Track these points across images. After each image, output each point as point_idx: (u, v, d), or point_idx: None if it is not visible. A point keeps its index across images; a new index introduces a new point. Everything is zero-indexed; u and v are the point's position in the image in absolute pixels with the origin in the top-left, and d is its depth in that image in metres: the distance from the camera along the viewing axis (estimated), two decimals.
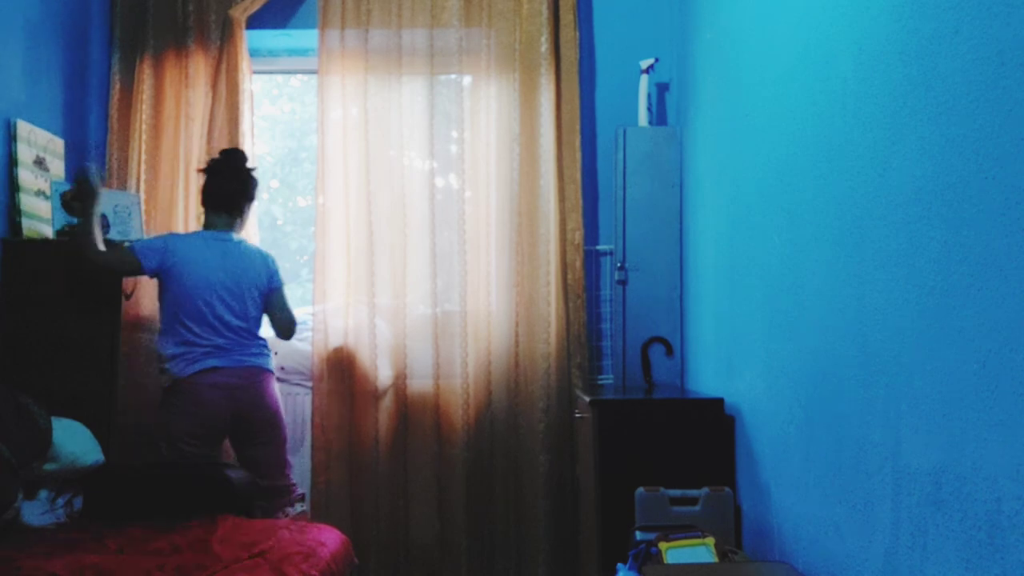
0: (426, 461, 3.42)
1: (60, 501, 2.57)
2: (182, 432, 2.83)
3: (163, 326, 2.90)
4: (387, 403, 3.41)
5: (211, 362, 2.85)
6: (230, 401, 2.88)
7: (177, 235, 3.01)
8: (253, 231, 3.54)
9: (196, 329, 2.86)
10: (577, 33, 3.54)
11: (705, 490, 2.41)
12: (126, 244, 2.88)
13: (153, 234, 3.48)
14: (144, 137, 3.52)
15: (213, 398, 2.85)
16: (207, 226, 3.02)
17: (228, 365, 2.88)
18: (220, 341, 2.89)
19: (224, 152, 3.07)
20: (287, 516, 2.94)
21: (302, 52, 3.71)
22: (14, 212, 3.00)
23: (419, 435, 3.43)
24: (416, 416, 3.44)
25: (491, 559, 3.43)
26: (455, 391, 3.44)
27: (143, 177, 3.51)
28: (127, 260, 2.82)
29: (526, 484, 3.40)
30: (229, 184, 2.99)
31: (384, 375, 3.43)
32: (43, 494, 2.54)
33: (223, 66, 3.51)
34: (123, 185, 3.51)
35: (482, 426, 3.44)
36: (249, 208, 3.08)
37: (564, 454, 3.41)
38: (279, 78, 3.98)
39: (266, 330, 3.12)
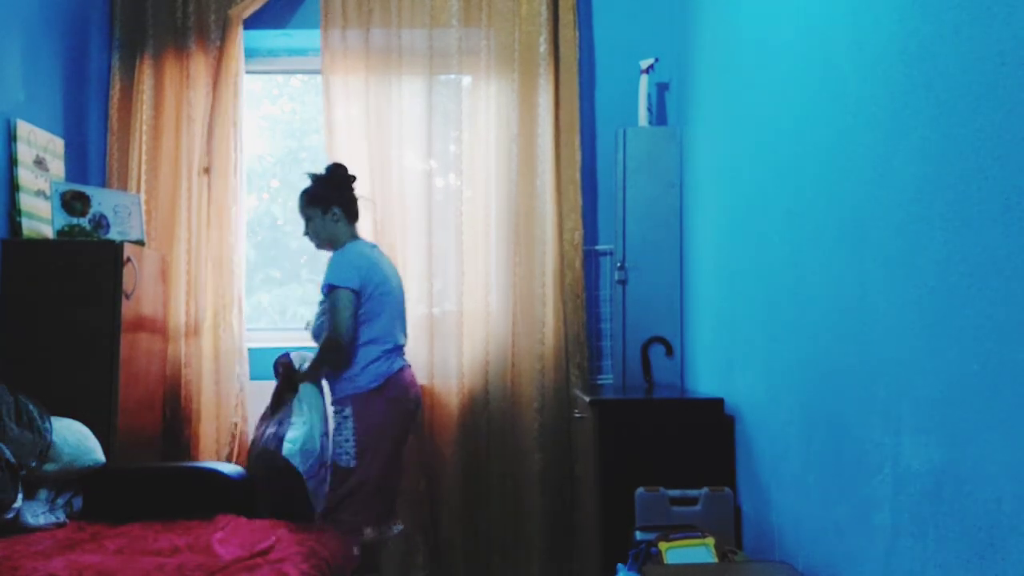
0: (421, 460, 3.42)
1: (60, 501, 2.57)
2: (400, 429, 2.90)
3: (370, 335, 2.86)
4: None
5: (403, 361, 2.97)
6: (416, 399, 3.00)
7: (352, 248, 2.95)
8: (254, 230, 3.54)
9: (391, 330, 2.92)
10: (576, 33, 3.54)
11: (705, 490, 2.40)
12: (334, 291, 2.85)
13: (153, 234, 3.48)
14: (144, 137, 3.52)
15: (415, 388, 2.98)
16: (355, 236, 3.06)
17: (408, 365, 3.00)
18: (403, 342, 3.01)
19: (339, 166, 3.08)
20: (390, 532, 2.99)
21: (302, 52, 3.72)
22: (14, 212, 3.00)
23: (413, 434, 3.43)
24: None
25: (488, 559, 3.43)
26: (451, 391, 3.44)
27: (143, 177, 3.51)
28: (344, 300, 2.82)
29: (523, 483, 3.40)
30: (353, 196, 3.08)
31: None
32: (43, 494, 2.53)
33: (223, 66, 3.52)
34: (123, 185, 3.51)
35: (478, 425, 3.44)
36: None
37: (562, 454, 3.41)
38: (279, 78, 3.98)
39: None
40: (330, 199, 3.00)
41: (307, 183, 3.05)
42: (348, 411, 2.83)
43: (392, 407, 2.86)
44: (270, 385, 3.48)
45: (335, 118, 3.54)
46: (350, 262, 2.88)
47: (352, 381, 2.84)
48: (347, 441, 2.81)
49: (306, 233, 3.05)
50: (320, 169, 3.09)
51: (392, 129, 3.53)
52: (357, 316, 2.84)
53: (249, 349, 3.52)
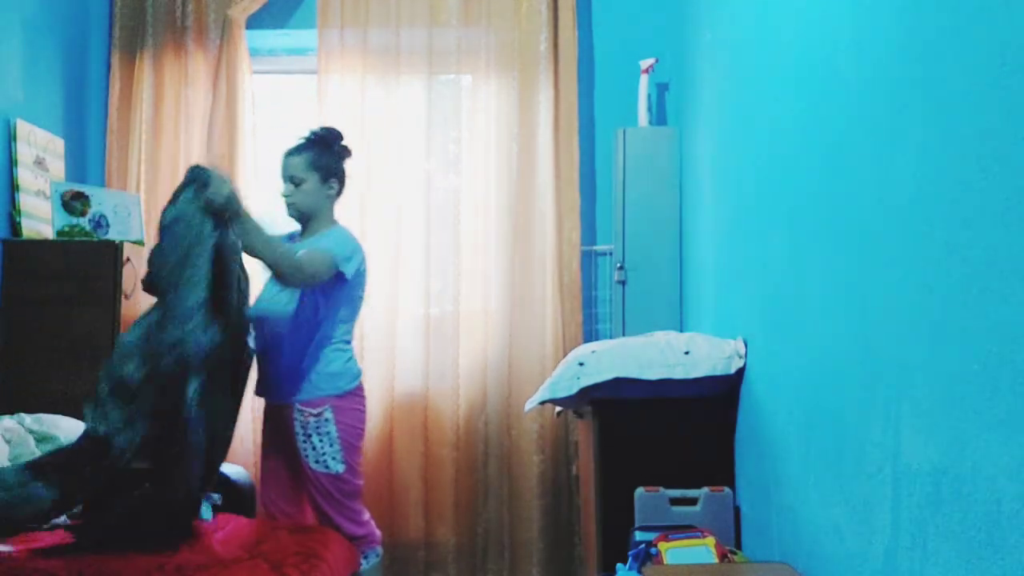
0: (416, 462, 3.41)
1: None
2: (361, 435, 2.72)
3: (347, 335, 2.70)
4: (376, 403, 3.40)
5: None
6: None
7: (349, 234, 2.71)
8: None
9: (353, 332, 2.78)
10: (576, 33, 3.54)
11: (705, 490, 2.40)
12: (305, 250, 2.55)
13: (150, 235, 3.47)
14: (144, 137, 3.53)
15: None
16: (335, 220, 2.77)
17: None
18: None
19: (340, 135, 2.75)
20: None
21: (302, 52, 3.72)
22: (14, 212, 3.00)
23: (408, 436, 3.42)
24: (406, 417, 3.44)
25: (488, 561, 3.42)
26: (449, 391, 3.44)
27: (143, 177, 3.52)
28: (325, 265, 2.53)
29: (522, 484, 3.40)
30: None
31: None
32: None
33: (223, 66, 3.52)
34: (123, 185, 3.51)
35: (476, 427, 3.43)
36: None
37: (561, 454, 3.41)
38: (280, 77, 3.98)
39: None
40: (333, 170, 2.68)
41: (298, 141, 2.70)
42: (328, 413, 2.60)
43: (363, 410, 2.74)
44: None
45: (331, 118, 3.53)
46: (355, 249, 2.63)
47: (333, 381, 2.63)
48: (331, 445, 2.60)
49: (286, 195, 2.65)
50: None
51: (390, 128, 3.53)
52: (333, 305, 2.63)
53: None
